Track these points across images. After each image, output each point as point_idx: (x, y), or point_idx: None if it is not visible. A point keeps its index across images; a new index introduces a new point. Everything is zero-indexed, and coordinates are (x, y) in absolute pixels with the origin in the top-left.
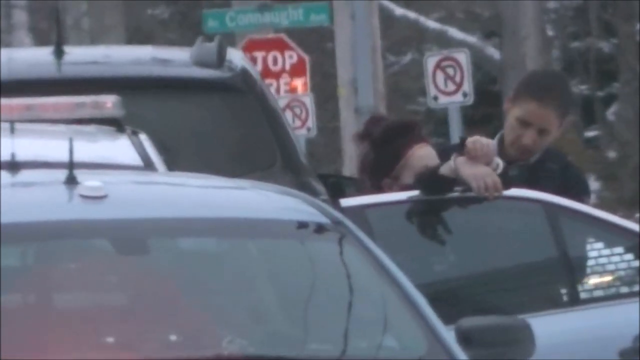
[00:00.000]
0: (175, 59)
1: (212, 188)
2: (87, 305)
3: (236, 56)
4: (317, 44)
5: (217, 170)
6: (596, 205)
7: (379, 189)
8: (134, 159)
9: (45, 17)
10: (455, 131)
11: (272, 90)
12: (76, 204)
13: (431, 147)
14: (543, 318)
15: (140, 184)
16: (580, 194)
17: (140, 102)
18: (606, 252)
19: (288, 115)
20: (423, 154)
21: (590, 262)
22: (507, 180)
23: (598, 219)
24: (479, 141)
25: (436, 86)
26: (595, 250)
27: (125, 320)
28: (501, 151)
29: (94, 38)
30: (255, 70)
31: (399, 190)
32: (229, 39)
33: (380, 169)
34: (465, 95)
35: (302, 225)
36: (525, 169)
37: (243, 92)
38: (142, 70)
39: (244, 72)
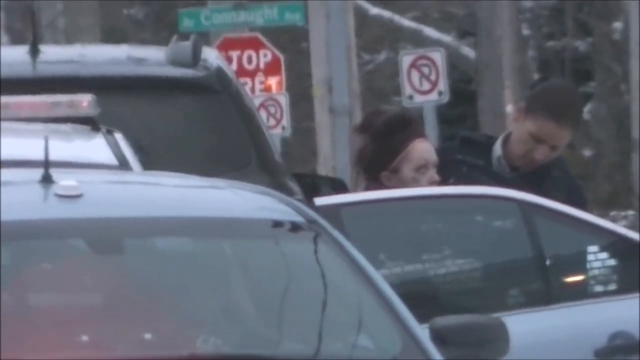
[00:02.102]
0: (150, 58)
1: (187, 187)
2: (62, 305)
3: (211, 55)
4: (292, 43)
5: (192, 169)
6: None
7: (377, 181)
8: (109, 158)
9: (20, 16)
10: (431, 130)
11: (247, 89)
12: (52, 203)
13: (429, 142)
14: (518, 317)
15: (116, 183)
16: (583, 204)
17: (116, 101)
18: (581, 250)
19: (263, 114)
20: (423, 148)
21: (565, 261)
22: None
23: (573, 217)
24: None
25: (411, 85)
26: (571, 248)
27: (100, 319)
28: (506, 153)
29: (69, 37)
30: (230, 70)
31: (397, 183)
32: (204, 38)
33: (380, 161)
34: (440, 94)
35: (277, 224)
36: (530, 175)
37: (218, 91)
38: (117, 70)
39: (219, 71)
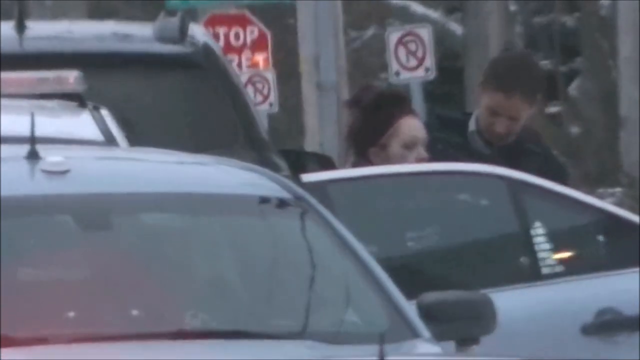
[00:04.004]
0: (138, 34)
1: (174, 163)
2: (49, 280)
3: (198, 32)
4: (279, 20)
5: (178, 145)
6: None
7: (364, 157)
8: (95, 134)
9: None
10: (418, 107)
11: (234, 65)
12: (38, 179)
13: (419, 119)
14: (505, 293)
15: (102, 159)
16: (564, 178)
17: (102, 78)
18: (568, 227)
19: (250, 90)
20: (412, 125)
21: (552, 238)
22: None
23: (560, 194)
24: None
25: (398, 61)
26: (558, 225)
27: (88, 295)
28: (479, 130)
29: (56, 13)
30: (217, 46)
31: (385, 159)
32: (191, 14)
33: (369, 136)
34: (427, 70)
35: (264, 200)
36: (505, 149)
37: (205, 67)
38: (104, 46)
39: (206, 48)
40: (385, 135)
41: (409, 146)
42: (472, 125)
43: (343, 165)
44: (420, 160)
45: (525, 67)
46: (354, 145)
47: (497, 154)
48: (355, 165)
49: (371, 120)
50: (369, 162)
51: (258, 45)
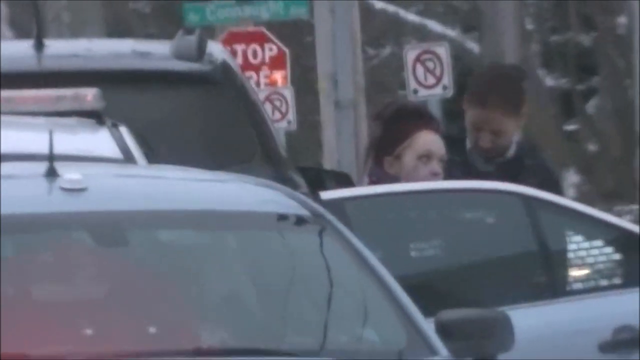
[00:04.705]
0: (156, 52)
1: (192, 181)
2: (67, 298)
3: (216, 49)
4: (297, 37)
5: (196, 163)
6: (576, 199)
7: (380, 166)
8: (114, 151)
9: (25, 10)
10: None
11: (252, 83)
12: (56, 196)
13: (439, 136)
14: (522, 311)
15: (120, 177)
16: (558, 191)
17: (121, 95)
18: (585, 245)
19: (268, 108)
20: (428, 139)
21: (569, 255)
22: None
23: (577, 211)
24: None
25: (416, 79)
26: (574, 243)
27: (104, 312)
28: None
29: (74, 32)
30: (236, 63)
31: (399, 170)
32: (209, 31)
33: (385, 146)
34: (445, 88)
35: (282, 217)
36: (503, 165)
37: (223, 85)
38: (122, 63)
39: (224, 65)
40: (401, 145)
41: (423, 159)
42: (469, 143)
43: (361, 175)
44: (433, 174)
45: (502, 80)
46: (372, 154)
47: (497, 170)
48: (370, 172)
49: (390, 130)
50: (383, 171)
51: (276, 62)
